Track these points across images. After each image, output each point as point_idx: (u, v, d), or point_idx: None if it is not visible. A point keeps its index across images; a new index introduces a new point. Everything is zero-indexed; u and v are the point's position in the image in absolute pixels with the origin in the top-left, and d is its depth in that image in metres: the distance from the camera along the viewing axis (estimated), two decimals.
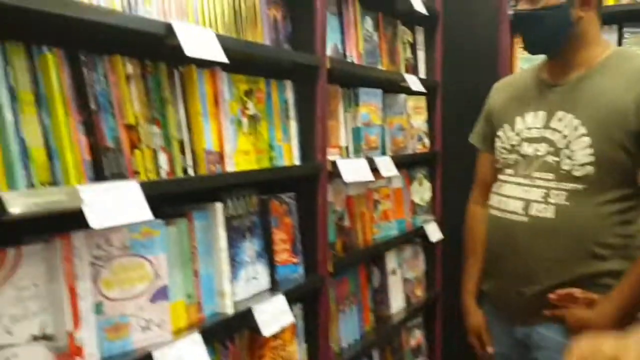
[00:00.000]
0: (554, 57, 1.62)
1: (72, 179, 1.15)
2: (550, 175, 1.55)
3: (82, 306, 1.20)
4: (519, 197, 1.60)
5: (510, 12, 2.38)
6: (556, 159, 1.54)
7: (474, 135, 1.88)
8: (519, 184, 1.61)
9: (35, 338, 1.13)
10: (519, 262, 1.59)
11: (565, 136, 1.54)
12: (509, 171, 1.67)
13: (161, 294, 1.35)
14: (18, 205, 0.97)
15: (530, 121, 1.63)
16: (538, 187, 1.56)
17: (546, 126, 1.59)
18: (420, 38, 2.81)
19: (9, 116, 1.04)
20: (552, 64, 1.64)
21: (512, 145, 1.66)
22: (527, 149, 1.61)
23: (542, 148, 1.58)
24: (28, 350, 1.11)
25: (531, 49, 1.63)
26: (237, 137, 1.66)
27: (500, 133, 1.71)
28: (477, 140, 1.87)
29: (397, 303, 2.53)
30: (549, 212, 1.53)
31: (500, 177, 1.70)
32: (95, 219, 1.08)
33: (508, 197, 1.63)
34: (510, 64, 2.66)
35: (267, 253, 1.77)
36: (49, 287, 1.16)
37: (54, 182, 1.13)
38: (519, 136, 1.65)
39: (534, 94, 1.66)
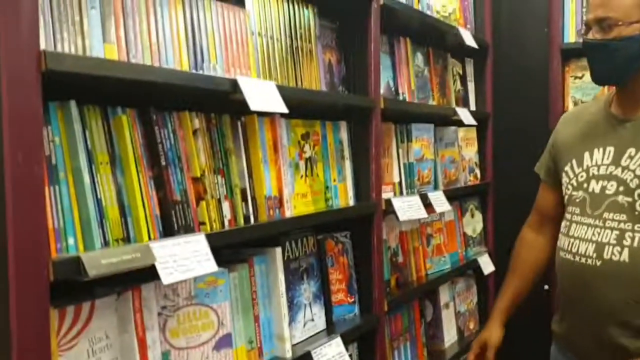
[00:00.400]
0: (623, 89, 1.58)
1: (143, 234, 1.19)
2: (623, 217, 1.49)
3: (151, 356, 1.23)
4: (589, 239, 1.54)
5: (579, 40, 2.34)
6: (628, 199, 1.49)
7: (539, 165, 1.82)
8: (589, 225, 1.56)
9: None
10: (594, 307, 1.54)
11: (638, 175, 1.49)
12: (575, 209, 1.61)
13: (225, 342, 1.38)
14: (95, 267, 1.00)
15: (599, 157, 1.58)
16: (611, 228, 1.51)
17: (616, 163, 1.54)
18: (470, 70, 2.80)
19: (87, 179, 1.08)
20: (621, 97, 1.59)
21: (579, 182, 1.61)
22: (595, 186, 1.56)
23: (612, 187, 1.53)
24: None
25: (599, 79, 1.59)
26: (294, 180, 1.68)
27: (567, 168, 1.65)
28: (542, 173, 1.81)
29: (450, 337, 2.51)
30: (624, 256, 1.48)
31: (567, 215, 1.65)
32: (168, 276, 1.12)
33: (578, 239, 1.57)
34: (562, 94, 2.63)
35: (324, 294, 1.78)
36: (120, 338, 1.20)
37: (126, 238, 1.17)
38: (587, 173, 1.59)
39: (603, 129, 1.60)
